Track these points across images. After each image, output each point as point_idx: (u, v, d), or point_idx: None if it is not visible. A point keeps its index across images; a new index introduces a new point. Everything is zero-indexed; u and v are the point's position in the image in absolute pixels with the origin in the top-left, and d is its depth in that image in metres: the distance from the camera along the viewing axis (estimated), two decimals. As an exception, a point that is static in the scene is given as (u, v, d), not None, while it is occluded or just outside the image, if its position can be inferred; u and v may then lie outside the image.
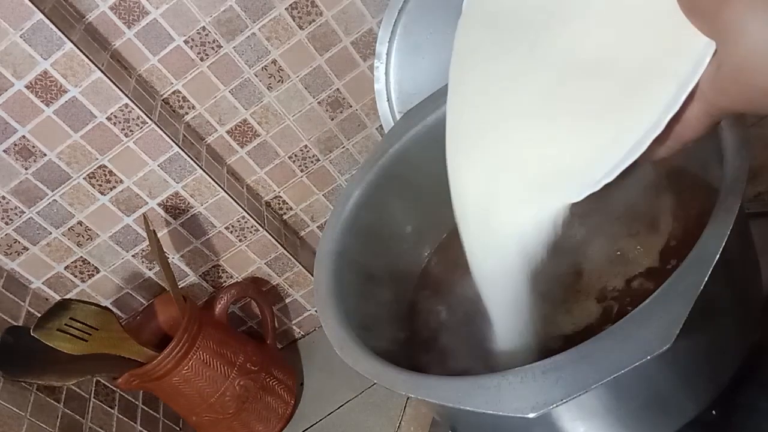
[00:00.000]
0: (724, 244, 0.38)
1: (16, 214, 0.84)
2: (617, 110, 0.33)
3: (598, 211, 0.59)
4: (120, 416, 0.90)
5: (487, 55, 0.40)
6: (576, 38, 0.35)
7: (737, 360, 0.50)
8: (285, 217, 1.01)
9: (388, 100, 0.82)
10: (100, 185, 0.85)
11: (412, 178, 0.70)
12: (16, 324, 0.83)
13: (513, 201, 0.39)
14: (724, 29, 0.28)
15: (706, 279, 0.36)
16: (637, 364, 0.35)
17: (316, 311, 1.04)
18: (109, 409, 0.89)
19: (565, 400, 0.36)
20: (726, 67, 0.29)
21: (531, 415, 0.37)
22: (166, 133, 0.83)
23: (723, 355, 0.49)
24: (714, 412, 0.54)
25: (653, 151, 0.32)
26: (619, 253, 0.57)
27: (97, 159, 0.83)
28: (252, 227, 0.93)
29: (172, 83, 0.86)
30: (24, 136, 0.79)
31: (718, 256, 0.37)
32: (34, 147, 0.80)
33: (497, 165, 0.39)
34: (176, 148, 0.84)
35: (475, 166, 0.41)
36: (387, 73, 0.81)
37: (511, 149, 0.38)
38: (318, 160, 0.96)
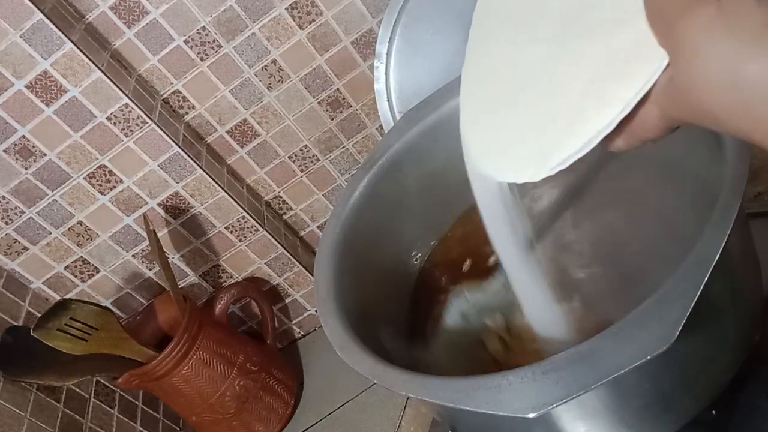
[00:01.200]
0: (723, 244, 0.38)
1: (16, 214, 0.84)
2: (581, 102, 0.34)
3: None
4: (120, 416, 0.90)
5: (498, 37, 0.43)
6: (559, 24, 0.37)
7: (737, 360, 0.50)
8: (285, 217, 1.01)
9: (388, 100, 0.82)
10: (100, 185, 0.85)
11: (413, 178, 0.70)
12: (16, 324, 0.83)
13: (491, 168, 0.41)
14: (677, 46, 0.28)
15: (706, 279, 0.36)
16: (637, 364, 0.35)
17: (316, 311, 1.04)
18: (109, 409, 0.89)
19: (564, 401, 0.36)
20: (677, 82, 0.29)
21: (531, 415, 0.37)
22: (166, 133, 0.83)
23: (723, 355, 0.49)
24: (714, 412, 0.54)
25: (612, 144, 0.34)
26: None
27: (97, 159, 0.83)
28: (252, 227, 0.93)
29: (172, 83, 0.86)
30: (24, 136, 0.79)
31: (717, 256, 0.37)
32: (34, 147, 0.80)
33: (490, 134, 0.42)
34: (176, 148, 0.84)
35: (477, 131, 0.44)
36: (387, 73, 0.81)
37: (501, 121, 0.41)
38: (318, 160, 0.96)
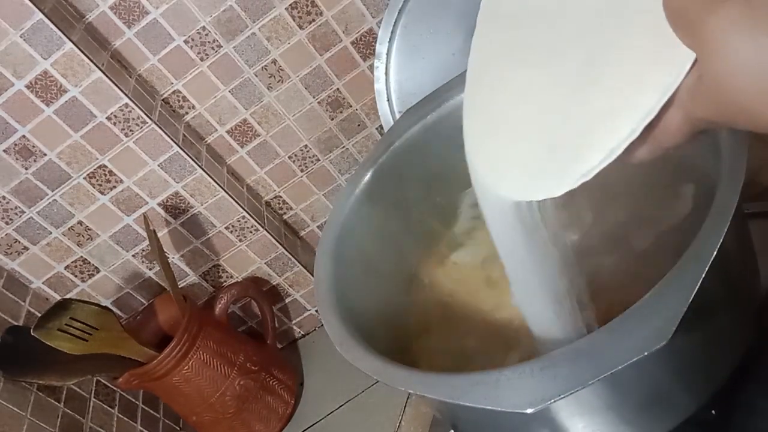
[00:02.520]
0: (720, 242, 0.38)
1: (16, 214, 0.84)
2: (600, 113, 0.33)
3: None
4: (120, 416, 0.90)
5: (504, 44, 0.42)
6: (574, 34, 0.36)
7: (735, 358, 0.50)
8: (285, 216, 1.01)
9: (388, 100, 0.82)
10: (100, 185, 0.85)
11: (413, 176, 0.70)
12: (16, 324, 0.83)
13: (505, 186, 0.40)
14: (706, 43, 0.28)
15: (703, 277, 0.36)
16: (634, 360, 0.35)
17: (316, 311, 1.04)
18: (109, 408, 0.89)
19: (562, 396, 0.36)
20: (706, 81, 0.29)
21: (529, 411, 0.37)
22: (166, 133, 0.83)
23: (721, 352, 0.49)
24: (714, 411, 0.55)
25: (634, 155, 0.33)
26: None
27: (97, 159, 0.83)
28: (252, 227, 0.93)
29: (172, 83, 0.86)
30: (24, 136, 0.79)
31: (714, 254, 0.37)
32: (34, 147, 0.80)
33: (501, 146, 0.40)
34: (176, 148, 0.84)
35: (484, 144, 0.42)
36: (387, 73, 0.81)
37: (513, 134, 0.39)
38: (318, 160, 0.97)
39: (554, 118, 0.36)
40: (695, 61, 0.29)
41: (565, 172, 0.34)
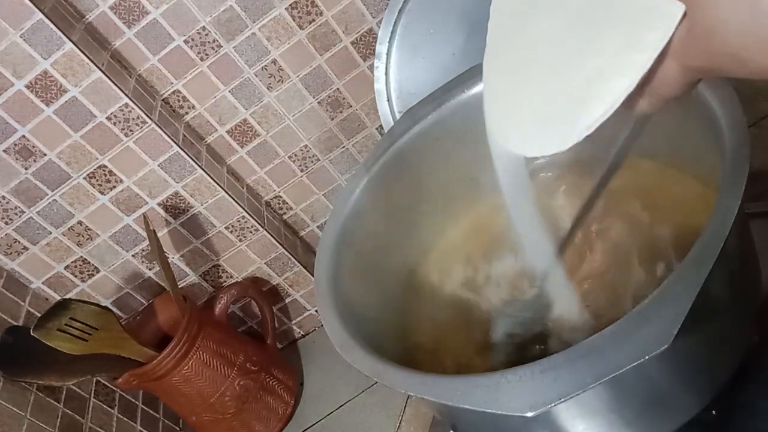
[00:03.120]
0: (723, 244, 0.38)
1: (16, 214, 0.84)
2: (601, 67, 0.35)
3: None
4: (120, 416, 0.90)
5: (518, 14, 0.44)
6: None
7: (737, 359, 0.50)
8: (285, 217, 1.01)
9: (388, 100, 0.82)
10: (100, 185, 0.85)
11: (413, 176, 0.70)
12: (16, 324, 0.83)
13: (518, 143, 0.42)
14: None
15: (705, 279, 0.36)
16: (635, 364, 0.35)
17: (316, 311, 1.04)
18: (109, 409, 0.89)
19: (563, 400, 0.36)
20: (696, 31, 0.30)
21: (529, 414, 0.37)
22: (166, 133, 0.83)
23: (722, 354, 0.49)
24: (714, 412, 0.54)
25: (636, 107, 0.35)
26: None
27: (97, 159, 0.83)
28: (252, 227, 0.93)
29: (172, 83, 0.86)
30: (24, 136, 0.79)
31: (717, 256, 0.37)
32: (34, 147, 0.80)
33: (514, 107, 0.42)
34: (176, 148, 0.84)
35: (499, 111, 0.44)
36: (387, 73, 0.81)
37: (524, 93, 0.41)
38: (318, 160, 0.96)
39: (560, 78, 0.38)
40: (685, 13, 0.30)
41: (571, 127, 0.36)
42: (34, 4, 0.71)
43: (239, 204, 0.91)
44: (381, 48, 0.80)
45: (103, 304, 0.93)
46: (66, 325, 0.74)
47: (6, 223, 0.84)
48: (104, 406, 0.89)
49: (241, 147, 0.93)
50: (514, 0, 0.43)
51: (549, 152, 0.38)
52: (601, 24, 0.35)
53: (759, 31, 0.27)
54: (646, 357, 0.35)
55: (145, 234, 0.89)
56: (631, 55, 0.32)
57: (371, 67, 0.87)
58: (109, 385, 0.91)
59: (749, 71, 0.29)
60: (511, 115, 0.42)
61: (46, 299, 0.91)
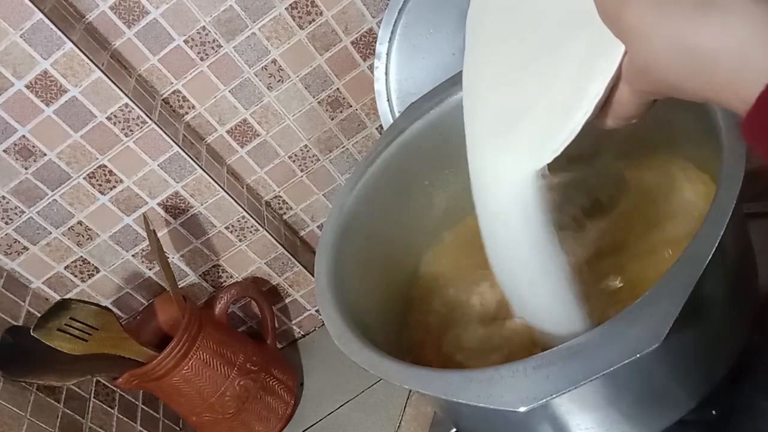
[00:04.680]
0: (717, 243, 0.38)
1: (16, 214, 0.84)
2: (569, 95, 0.39)
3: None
4: (120, 416, 0.90)
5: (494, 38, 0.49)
6: (544, 27, 0.43)
7: (731, 358, 0.50)
8: (285, 216, 1.01)
9: (388, 100, 0.82)
10: (100, 185, 0.85)
11: (412, 174, 0.70)
12: (16, 324, 0.83)
13: (498, 164, 0.46)
14: (627, 33, 0.33)
15: (698, 278, 0.36)
16: (626, 362, 0.35)
17: (316, 311, 1.04)
18: (109, 409, 0.89)
19: (554, 396, 0.37)
20: (636, 64, 0.34)
21: (521, 409, 0.37)
22: (166, 133, 0.83)
23: (719, 352, 0.49)
24: (714, 412, 0.54)
25: (600, 125, 0.40)
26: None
27: (97, 159, 0.83)
28: (252, 227, 0.93)
29: (172, 83, 0.86)
30: (24, 136, 0.79)
31: (710, 256, 0.37)
32: (34, 147, 0.80)
33: (493, 129, 0.47)
34: (176, 148, 0.84)
35: (482, 126, 0.49)
36: (387, 73, 0.81)
37: (497, 117, 0.46)
38: (318, 160, 0.97)
39: (538, 100, 0.43)
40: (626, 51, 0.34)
41: (547, 143, 0.41)
42: (34, 4, 0.72)
43: (239, 204, 0.91)
44: (381, 48, 0.80)
45: (103, 304, 0.94)
46: (66, 325, 0.75)
47: (6, 223, 0.85)
48: (104, 406, 0.89)
49: (241, 147, 0.93)
50: (484, 34, 0.49)
51: (540, 165, 0.42)
52: (563, 60, 0.40)
53: (685, 65, 0.30)
54: (637, 355, 0.35)
55: (145, 234, 0.89)
56: (586, 88, 0.37)
57: (371, 67, 0.87)
58: (109, 385, 0.91)
59: (689, 96, 0.32)
60: (501, 134, 0.46)
61: (46, 299, 0.91)
